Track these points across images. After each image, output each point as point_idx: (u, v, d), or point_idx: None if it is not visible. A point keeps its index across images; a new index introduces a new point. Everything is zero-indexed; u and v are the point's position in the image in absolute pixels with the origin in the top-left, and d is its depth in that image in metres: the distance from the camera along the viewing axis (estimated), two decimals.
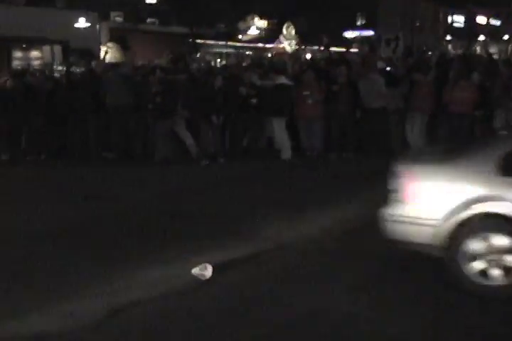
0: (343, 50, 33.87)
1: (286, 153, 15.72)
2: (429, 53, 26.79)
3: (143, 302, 6.57)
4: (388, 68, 17.12)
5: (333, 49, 30.49)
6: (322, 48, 26.33)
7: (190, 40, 40.54)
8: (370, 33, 52.14)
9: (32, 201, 11.92)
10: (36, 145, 17.07)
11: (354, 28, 55.55)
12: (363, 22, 57.08)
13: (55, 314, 6.39)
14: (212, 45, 42.77)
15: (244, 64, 22.63)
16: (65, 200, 11.85)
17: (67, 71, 18.80)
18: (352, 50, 34.77)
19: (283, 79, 16.01)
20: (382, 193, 11.29)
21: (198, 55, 37.42)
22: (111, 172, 14.94)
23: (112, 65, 19.36)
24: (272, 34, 44.59)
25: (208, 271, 7.15)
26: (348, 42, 44.89)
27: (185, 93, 15.96)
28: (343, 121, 15.61)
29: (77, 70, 20.35)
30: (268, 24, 46.27)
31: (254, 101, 15.65)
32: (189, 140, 15.85)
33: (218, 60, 38.84)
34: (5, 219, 10.49)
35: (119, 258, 8.00)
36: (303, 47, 38.11)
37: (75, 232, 9.50)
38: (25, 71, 19.91)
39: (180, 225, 9.72)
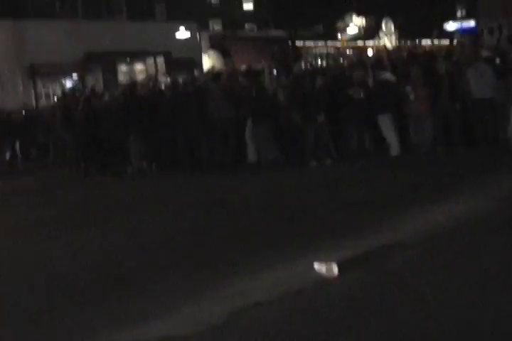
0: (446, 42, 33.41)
1: (395, 150, 15.58)
2: None
3: (264, 304, 6.57)
4: (497, 60, 16.60)
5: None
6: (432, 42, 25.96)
7: (290, 42, 40.66)
8: (472, 23, 51.20)
9: (151, 210, 12.24)
10: (147, 155, 17.53)
11: (454, 19, 54.64)
12: (464, 13, 56.07)
13: (177, 318, 6.47)
14: (311, 47, 42.81)
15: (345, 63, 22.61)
16: (181, 208, 12.10)
17: (173, 83, 19.12)
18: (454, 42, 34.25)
19: (386, 75, 15.90)
20: (495, 189, 11.17)
21: (298, 58, 37.51)
22: (222, 178, 15.17)
23: (215, 75, 19.57)
24: (371, 31, 44.35)
25: (332, 270, 7.10)
26: (450, 35, 44.21)
27: (289, 95, 16.08)
28: (447, 114, 15.34)
29: (181, 80, 20.75)
30: (366, 21, 46.00)
31: (361, 95, 15.64)
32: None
33: (319, 61, 38.80)
34: (130, 227, 10.79)
35: (239, 260, 8.05)
36: (403, 42, 37.77)
37: (193, 236, 9.67)
38: (136, 84, 20.43)
39: (297, 225, 9.76)
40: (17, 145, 23.32)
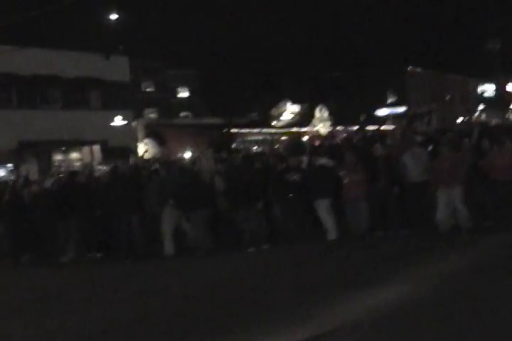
0: (377, 127, 34.11)
1: (332, 234, 15.62)
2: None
3: None
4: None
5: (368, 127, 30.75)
6: (357, 127, 26.53)
7: (225, 130, 41.04)
8: (402, 109, 52.53)
9: (87, 299, 11.96)
10: (84, 244, 17.26)
11: (385, 105, 56.03)
12: (394, 99, 57.55)
13: None
14: (246, 134, 43.23)
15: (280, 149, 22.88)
16: (115, 297, 11.86)
17: (112, 170, 18.98)
18: (386, 127, 35.04)
19: (323, 161, 16.08)
20: (431, 270, 11.24)
21: (234, 145, 37.86)
22: (159, 266, 15.00)
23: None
24: (305, 118, 45.08)
25: None
26: (381, 120, 45.21)
27: (229, 182, 16.12)
28: (384, 198, 15.50)
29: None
30: (300, 108, 46.77)
31: (296, 178, 15.80)
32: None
33: (254, 148, 39.14)
34: (55, 320, 10.49)
35: None
36: (338, 128, 38.47)
37: (127, 328, 9.43)
38: (74, 172, 20.24)
39: (234, 312, 9.60)
40: None
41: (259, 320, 8.89)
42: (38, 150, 35.93)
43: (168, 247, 16.17)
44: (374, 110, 52.83)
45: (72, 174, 19.11)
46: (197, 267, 14.45)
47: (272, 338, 7.84)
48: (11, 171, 34.96)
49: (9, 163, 35.54)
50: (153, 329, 9.17)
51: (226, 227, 16.38)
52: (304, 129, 43.15)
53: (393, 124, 35.63)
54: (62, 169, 32.10)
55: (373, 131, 29.32)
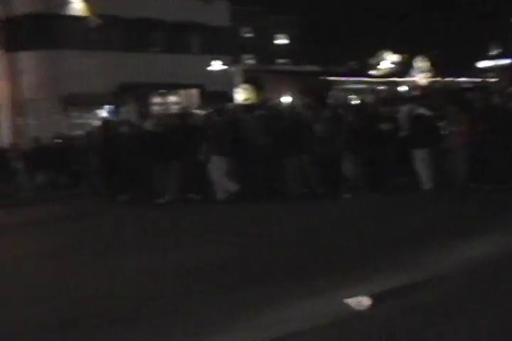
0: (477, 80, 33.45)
1: (427, 184, 15.50)
2: None
3: (298, 335, 6.49)
4: None
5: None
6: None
7: (323, 77, 40.74)
8: (507, 61, 51.07)
9: (178, 240, 12.20)
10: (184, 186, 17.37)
11: (488, 57, 54.61)
12: (499, 51, 56.02)
13: None
14: (344, 82, 42.84)
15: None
16: (211, 238, 12.04)
17: (208, 114, 19.03)
18: (487, 79, 34.29)
19: (422, 110, 15.87)
20: None
21: (330, 92, 37.62)
22: (250, 209, 15.12)
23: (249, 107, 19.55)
24: (404, 68, 44.42)
25: (364, 302, 7.01)
26: (482, 72, 44.24)
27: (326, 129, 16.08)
28: (504, 151, 14.99)
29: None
30: (401, 58, 46.10)
31: (386, 126, 15.71)
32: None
33: (351, 96, 38.84)
34: (158, 256, 10.74)
35: (271, 292, 7.97)
36: (437, 79, 37.86)
37: (225, 268, 9.59)
38: (186, 113, 20.33)
39: (330, 257, 9.68)
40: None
41: (352, 267, 8.93)
42: (138, 92, 36.42)
43: (229, 188, 16.32)
44: (475, 62, 51.61)
45: (185, 116, 19.11)
46: (292, 211, 14.52)
47: (364, 284, 7.86)
48: (111, 112, 35.60)
49: (110, 104, 36.16)
50: (250, 270, 9.33)
51: (320, 173, 16.32)
52: (402, 79, 42.59)
53: (496, 77, 34.80)
54: (160, 112, 32.54)
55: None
